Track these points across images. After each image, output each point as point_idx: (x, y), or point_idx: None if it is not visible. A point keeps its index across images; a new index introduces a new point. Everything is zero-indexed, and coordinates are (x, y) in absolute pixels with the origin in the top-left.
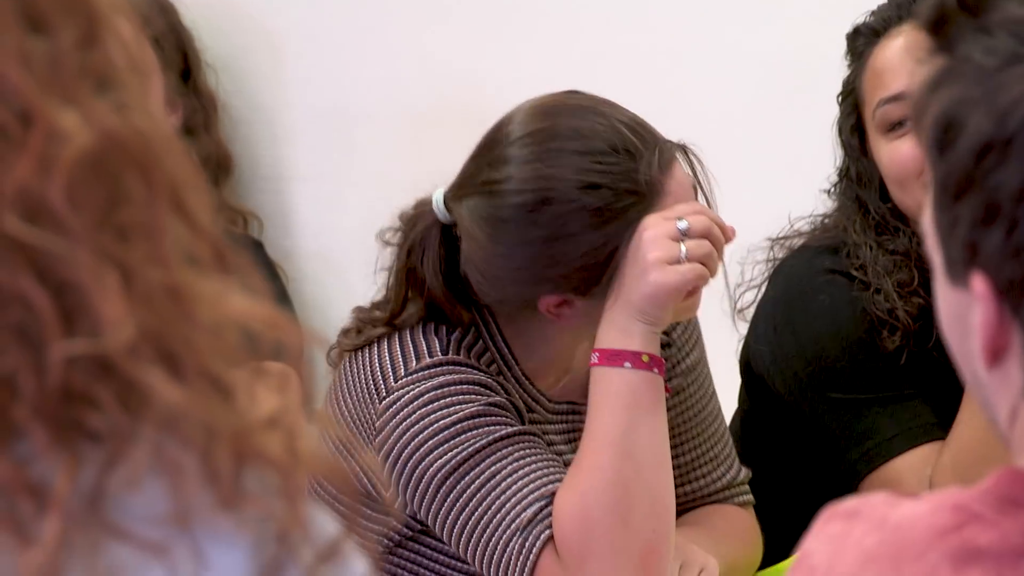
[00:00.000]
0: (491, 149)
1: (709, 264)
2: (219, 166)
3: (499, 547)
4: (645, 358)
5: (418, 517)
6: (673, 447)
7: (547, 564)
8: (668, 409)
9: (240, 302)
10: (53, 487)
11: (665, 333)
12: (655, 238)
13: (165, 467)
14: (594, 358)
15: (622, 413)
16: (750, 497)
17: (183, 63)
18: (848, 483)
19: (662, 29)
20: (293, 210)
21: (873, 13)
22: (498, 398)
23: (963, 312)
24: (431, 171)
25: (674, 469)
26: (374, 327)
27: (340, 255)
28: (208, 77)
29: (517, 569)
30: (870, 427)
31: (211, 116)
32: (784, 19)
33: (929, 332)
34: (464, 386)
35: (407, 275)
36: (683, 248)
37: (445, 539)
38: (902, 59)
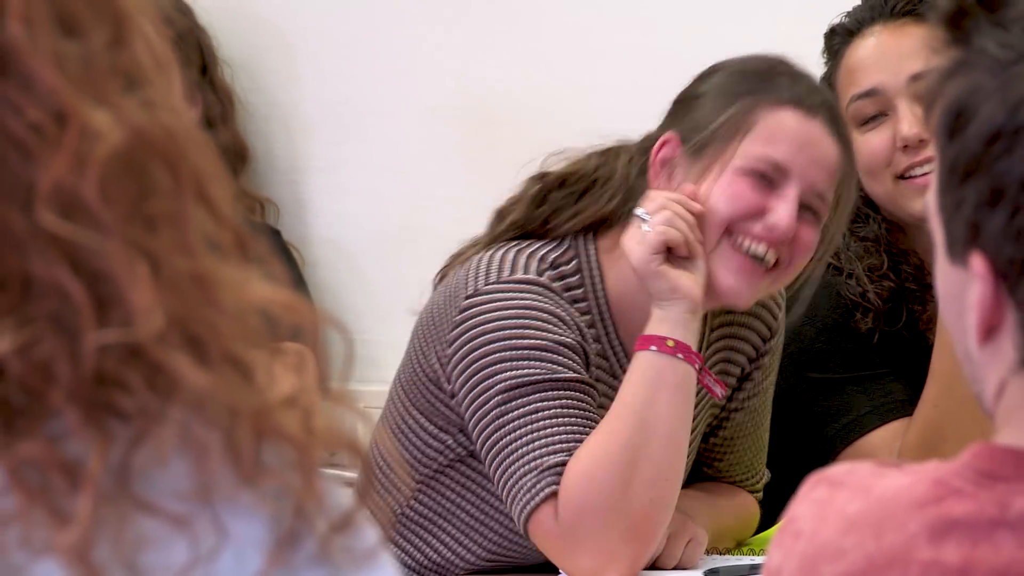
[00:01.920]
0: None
1: (676, 225)
2: (237, 157)
3: (514, 476)
4: (670, 343)
5: (464, 419)
6: (723, 452)
7: (545, 514)
8: (735, 421)
9: (260, 287)
10: (85, 464)
11: (758, 350)
12: (630, 232)
13: (190, 445)
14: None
15: (643, 388)
16: (759, 495)
17: (201, 60)
18: (825, 457)
19: (659, 29)
20: (307, 199)
21: (848, 14)
22: (570, 339)
23: (960, 290)
24: (437, 162)
25: (712, 469)
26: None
27: (351, 242)
28: (225, 74)
29: (520, 505)
30: (846, 404)
31: (228, 110)
32: (770, 18)
33: (899, 313)
34: (546, 315)
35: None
36: (644, 226)
37: (474, 441)
38: (874, 58)
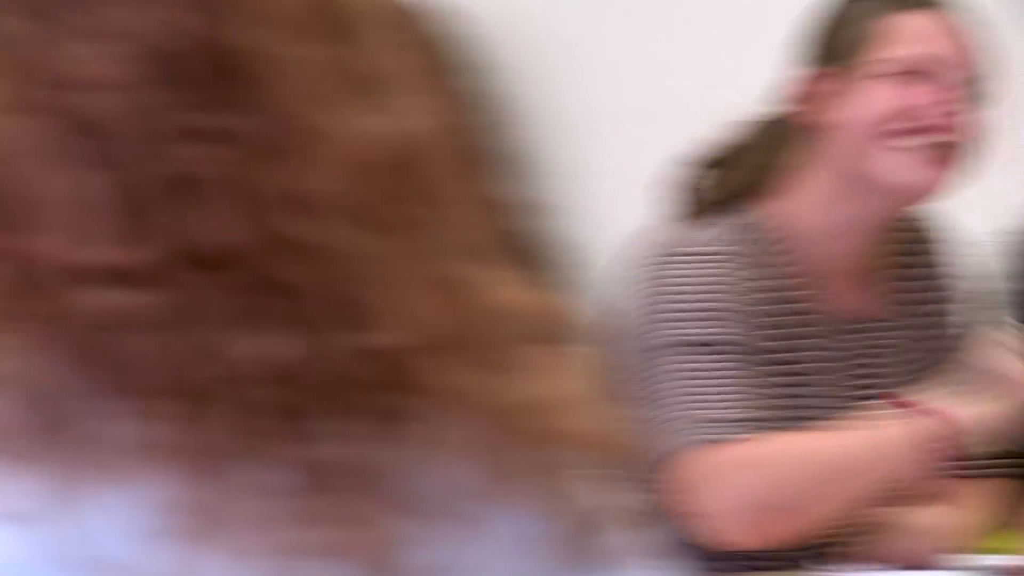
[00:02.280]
0: None
1: None
2: (507, 162)
3: (672, 419)
4: (959, 437)
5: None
6: None
7: (695, 454)
8: None
9: (517, 289)
10: (363, 466)
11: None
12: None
13: (454, 446)
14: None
15: (891, 457)
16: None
17: (468, 67)
18: None
19: None
20: (570, 203)
21: None
22: (731, 306)
23: None
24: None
25: None
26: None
27: (613, 246)
28: (498, 80)
29: (675, 439)
30: None
31: (500, 116)
32: None
33: None
34: (718, 280)
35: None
36: None
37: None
38: None
